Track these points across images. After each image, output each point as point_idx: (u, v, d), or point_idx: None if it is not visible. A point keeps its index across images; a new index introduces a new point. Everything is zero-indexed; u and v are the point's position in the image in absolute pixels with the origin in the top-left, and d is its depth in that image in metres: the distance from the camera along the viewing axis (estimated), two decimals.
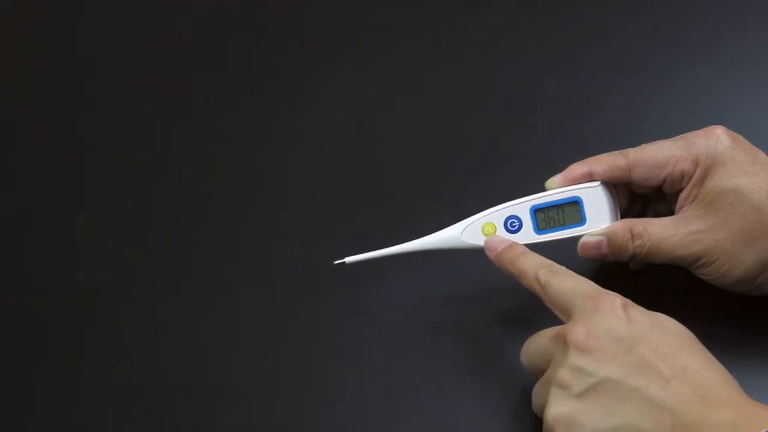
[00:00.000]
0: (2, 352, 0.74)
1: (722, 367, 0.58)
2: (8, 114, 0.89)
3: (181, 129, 0.86)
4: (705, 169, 0.65)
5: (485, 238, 0.68)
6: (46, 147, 0.86)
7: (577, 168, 0.68)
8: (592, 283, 0.62)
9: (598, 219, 0.68)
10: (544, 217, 0.68)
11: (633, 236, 0.66)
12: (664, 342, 0.57)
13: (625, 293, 0.61)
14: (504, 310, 0.72)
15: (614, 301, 0.59)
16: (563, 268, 0.64)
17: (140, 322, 0.74)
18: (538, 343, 0.62)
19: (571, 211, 0.68)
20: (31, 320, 0.75)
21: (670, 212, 0.68)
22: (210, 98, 0.87)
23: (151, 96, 0.88)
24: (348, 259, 0.70)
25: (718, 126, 0.67)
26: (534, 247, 0.67)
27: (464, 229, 0.68)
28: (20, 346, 0.74)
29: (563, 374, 0.58)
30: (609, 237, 0.67)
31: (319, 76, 0.87)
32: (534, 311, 0.67)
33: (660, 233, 0.65)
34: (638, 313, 0.59)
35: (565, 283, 0.62)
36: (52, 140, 0.86)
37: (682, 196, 0.67)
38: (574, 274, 0.63)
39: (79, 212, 0.81)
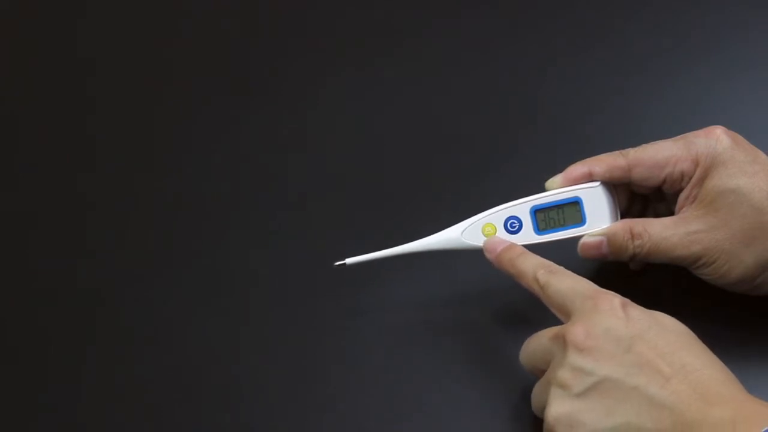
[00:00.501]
0: (2, 352, 0.74)
1: (722, 364, 0.58)
2: (8, 114, 0.89)
3: (181, 129, 0.86)
4: (705, 169, 0.65)
5: (485, 239, 0.68)
6: (46, 147, 0.86)
7: (577, 168, 0.68)
8: (591, 283, 0.62)
9: (598, 219, 0.68)
10: (544, 217, 0.68)
11: (633, 236, 0.66)
12: (664, 340, 0.57)
13: (625, 293, 0.61)
14: (504, 310, 0.72)
15: (613, 300, 0.59)
16: (562, 268, 0.64)
17: (140, 322, 0.74)
18: (538, 343, 0.62)
19: (571, 211, 0.68)
20: (31, 320, 0.75)
21: (670, 212, 0.68)
22: (210, 98, 0.87)
23: (151, 96, 0.88)
24: (348, 261, 0.70)
25: (718, 126, 0.67)
26: (534, 248, 0.67)
27: (464, 230, 0.68)
28: (20, 346, 0.74)
29: (563, 374, 0.58)
30: (609, 237, 0.67)
31: (319, 76, 0.87)
32: (534, 311, 0.67)
33: (660, 233, 0.65)
34: (637, 312, 0.59)
35: (564, 284, 0.62)
36: (52, 140, 0.86)
37: (682, 196, 0.67)
38: (573, 274, 0.63)
39: (79, 212, 0.81)
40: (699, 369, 0.56)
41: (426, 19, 0.91)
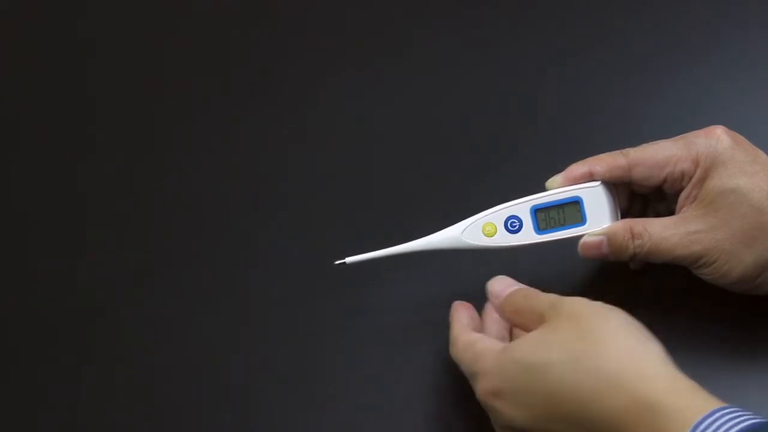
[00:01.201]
0: (2, 352, 0.74)
1: (652, 349, 0.57)
2: (8, 114, 0.89)
3: (181, 129, 0.86)
4: (705, 169, 0.65)
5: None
6: (46, 147, 0.86)
7: (578, 168, 0.68)
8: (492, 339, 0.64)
9: (599, 219, 0.68)
10: (545, 217, 0.68)
11: (633, 236, 0.66)
12: (573, 376, 0.57)
13: (625, 293, 0.61)
14: None
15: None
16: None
17: (140, 322, 0.74)
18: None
19: (572, 211, 0.68)
20: (31, 320, 0.75)
21: (671, 212, 0.68)
22: (210, 98, 0.87)
23: (151, 96, 0.88)
24: (349, 260, 0.70)
25: (718, 126, 0.67)
26: (534, 247, 0.67)
27: (464, 229, 0.68)
28: (20, 346, 0.74)
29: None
30: (609, 237, 0.67)
31: (319, 76, 0.87)
32: None
33: (660, 233, 0.65)
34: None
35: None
36: (52, 140, 0.86)
37: (683, 196, 0.67)
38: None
39: (78, 212, 0.81)
40: (611, 391, 0.55)
41: (426, 19, 0.91)
